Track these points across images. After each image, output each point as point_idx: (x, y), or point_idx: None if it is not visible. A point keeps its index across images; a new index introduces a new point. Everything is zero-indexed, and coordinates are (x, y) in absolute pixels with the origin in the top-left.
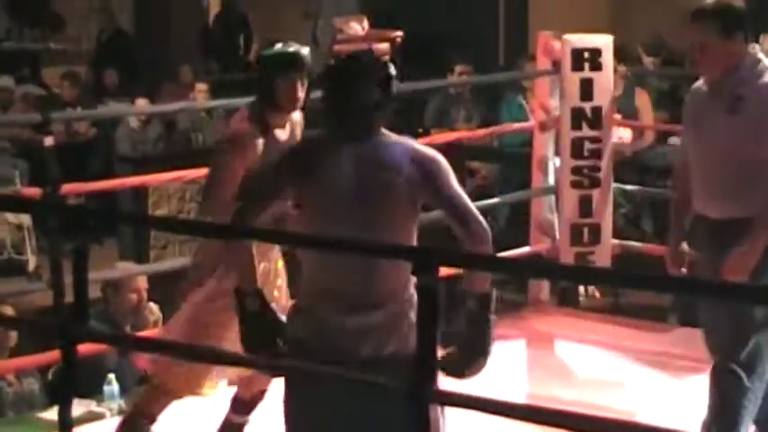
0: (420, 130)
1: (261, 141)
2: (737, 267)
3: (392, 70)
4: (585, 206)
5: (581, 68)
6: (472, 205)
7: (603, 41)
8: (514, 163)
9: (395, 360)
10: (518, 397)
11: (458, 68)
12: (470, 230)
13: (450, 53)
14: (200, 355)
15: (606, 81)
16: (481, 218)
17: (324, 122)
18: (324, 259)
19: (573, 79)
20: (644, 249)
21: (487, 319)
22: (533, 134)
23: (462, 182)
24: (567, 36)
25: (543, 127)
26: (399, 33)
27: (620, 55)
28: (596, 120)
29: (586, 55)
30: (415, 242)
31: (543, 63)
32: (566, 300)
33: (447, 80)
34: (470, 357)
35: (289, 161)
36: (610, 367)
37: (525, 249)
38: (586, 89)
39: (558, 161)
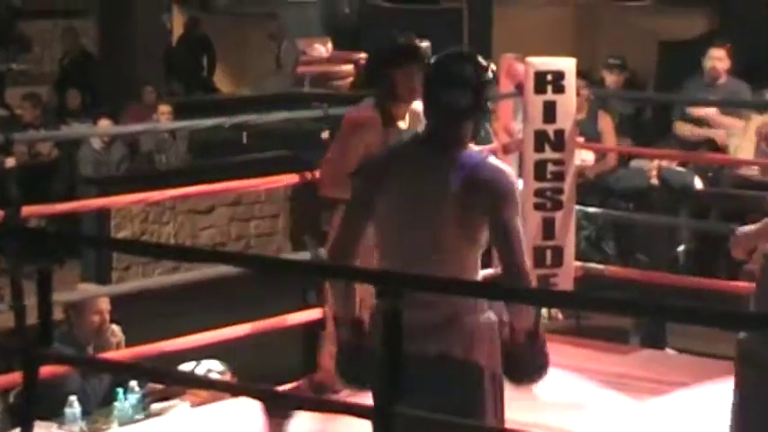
0: None
1: (381, 129)
2: None
3: (489, 74)
4: (548, 228)
5: (544, 91)
6: (521, 245)
7: (566, 64)
8: None
9: (441, 361)
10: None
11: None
12: (505, 267)
13: None
14: (173, 379)
15: (569, 104)
16: (522, 261)
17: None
18: (390, 263)
19: (536, 102)
20: (606, 272)
21: (536, 346)
22: (496, 156)
23: None
24: (530, 59)
25: (506, 149)
26: (363, 55)
27: (584, 78)
28: (559, 142)
29: (549, 78)
30: (473, 262)
31: (506, 86)
32: None
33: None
34: (530, 374)
35: (365, 171)
36: (572, 389)
37: (488, 272)
38: (549, 112)
39: (521, 183)
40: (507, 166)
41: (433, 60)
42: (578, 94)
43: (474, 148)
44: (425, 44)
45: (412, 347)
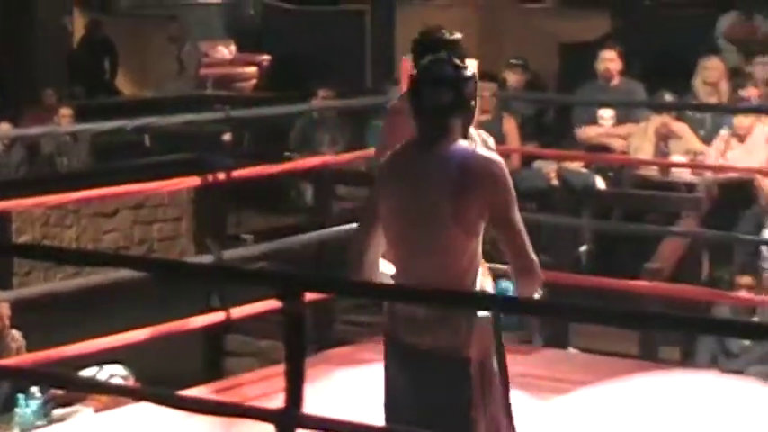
0: (285, 154)
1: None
2: None
3: (467, 72)
4: None
5: None
6: (521, 232)
7: (469, 65)
8: None
9: (431, 354)
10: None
11: (321, 93)
12: (510, 255)
13: (317, 77)
14: (75, 384)
15: None
16: (526, 247)
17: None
18: (399, 261)
19: None
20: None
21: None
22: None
23: (329, 206)
24: None
25: None
26: (266, 57)
27: (492, 80)
28: None
29: None
30: (473, 256)
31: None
32: None
33: (312, 104)
34: None
35: (378, 171)
36: None
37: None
38: None
39: None
40: (498, 156)
41: (419, 66)
42: (482, 96)
43: (461, 142)
44: (457, 36)
45: (405, 340)
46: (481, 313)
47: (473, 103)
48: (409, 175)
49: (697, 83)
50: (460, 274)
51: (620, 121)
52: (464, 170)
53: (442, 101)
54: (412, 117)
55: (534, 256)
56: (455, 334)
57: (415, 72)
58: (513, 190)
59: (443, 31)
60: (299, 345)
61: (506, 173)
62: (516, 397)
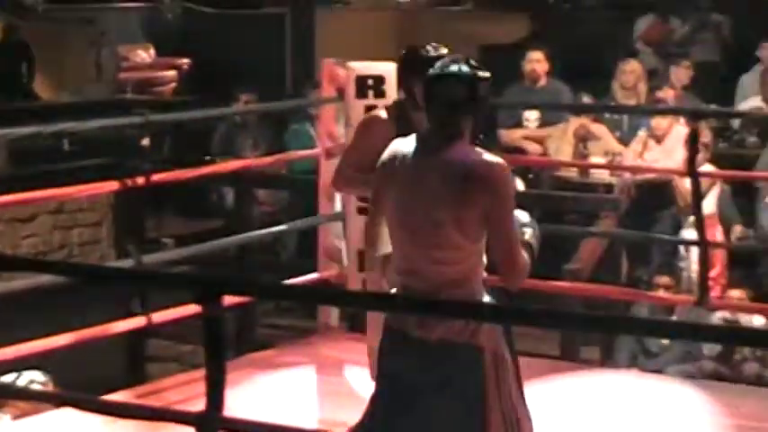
0: (207, 158)
1: (393, 133)
2: None
3: (482, 72)
4: None
5: (365, 95)
6: (513, 242)
7: (387, 69)
8: (302, 190)
9: (443, 345)
10: (309, 423)
11: (243, 97)
12: (500, 266)
13: (237, 81)
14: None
15: None
16: (516, 256)
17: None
18: (401, 259)
19: (357, 106)
20: None
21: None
22: (320, 161)
23: (249, 210)
24: (351, 63)
25: (329, 154)
26: (186, 61)
27: None
28: None
29: (370, 82)
30: (474, 260)
31: (328, 90)
32: (355, 325)
33: (232, 108)
34: None
35: (381, 164)
36: None
37: (314, 276)
38: None
39: None
40: (501, 160)
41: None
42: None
43: (464, 144)
44: (444, 51)
45: (415, 333)
46: (489, 303)
47: (487, 103)
48: (413, 173)
49: (615, 85)
50: (462, 278)
51: (545, 122)
52: (468, 175)
53: (458, 98)
54: (425, 113)
55: (524, 258)
56: (466, 323)
57: (431, 69)
58: (512, 195)
59: (428, 47)
60: (218, 348)
61: (509, 177)
62: None
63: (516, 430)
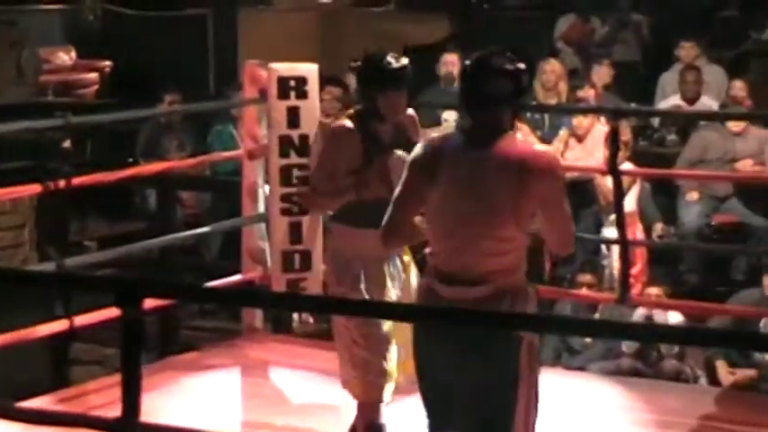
0: (131, 160)
1: (360, 143)
2: None
3: (522, 65)
4: (295, 233)
5: (287, 97)
6: (570, 223)
7: (309, 70)
8: (226, 191)
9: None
10: (232, 426)
11: (167, 98)
12: (560, 243)
13: (160, 83)
14: None
15: (312, 109)
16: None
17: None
18: (446, 252)
19: (280, 107)
20: None
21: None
22: (243, 162)
23: (173, 212)
24: (272, 65)
25: (252, 155)
26: (108, 63)
27: (333, 84)
28: (304, 147)
29: (292, 83)
30: (522, 249)
31: (251, 92)
32: (279, 326)
33: (156, 109)
34: None
35: (417, 163)
36: (321, 392)
37: (238, 277)
38: (293, 117)
39: (267, 189)
40: (553, 151)
41: (471, 58)
42: (322, 100)
43: (514, 135)
44: (404, 62)
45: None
46: (521, 278)
47: (527, 93)
48: (465, 169)
49: (536, 84)
50: (511, 268)
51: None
52: (524, 166)
53: (504, 92)
54: (464, 109)
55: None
56: (503, 301)
57: (467, 64)
58: (563, 181)
59: (389, 58)
60: (135, 352)
61: (560, 166)
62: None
63: (534, 412)
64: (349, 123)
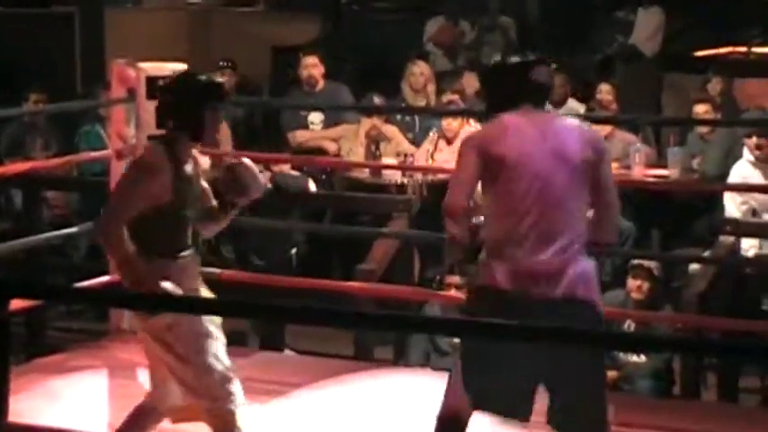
0: None
1: (171, 174)
2: None
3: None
4: None
5: (156, 96)
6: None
7: (178, 69)
8: (93, 192)
9: (568, 302)
10: (99, 427)
11: (33, 97)
12: (612, 219)
13: (25, 81)
14: None
15: None
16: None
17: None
18: (526, 226)
19: (148, 107)
20: (222, 276)
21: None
22: (111, 163)
23: (39, 212)
24: (141, 64)
25: (120, 155)
26: None
27: None
28: None
29: (161, 83)
30: (584, 220)
31: (119, 91)
32: None
33: (22, 109)
34: None
35: (478, 144)
36: None
37: (106, 278)
38: None
39: None
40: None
41: (518, 57)
42: None
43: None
44: (220, 80)
45: (536, 291)
46: (589, 261)
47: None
48: (532, 145)
49: (405, 86)
50: (583, 243)
51: (329, 125)
52: (590, 140)
53: (549, 81)
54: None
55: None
56: (581, 281)
57: (518, 60)
58: None
59: (206, 75)
60: (2, 354)
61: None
62: None
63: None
64: (159, 154)
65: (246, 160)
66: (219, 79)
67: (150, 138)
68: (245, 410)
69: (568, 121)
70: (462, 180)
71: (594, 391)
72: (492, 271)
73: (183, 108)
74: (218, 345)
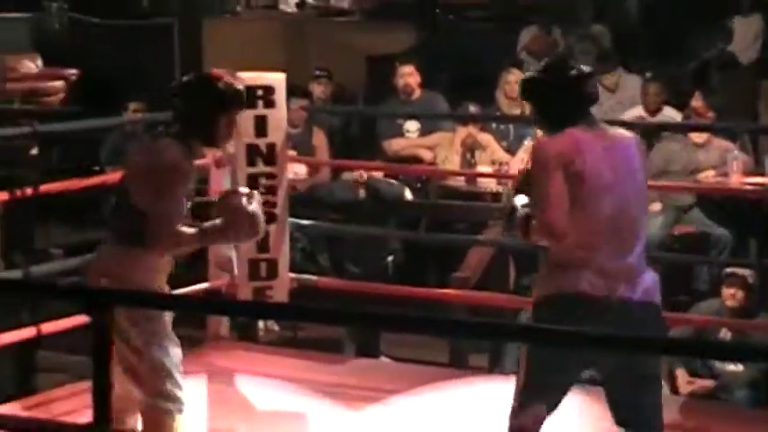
0: (96, 168)
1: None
2: None
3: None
4: (262, 241)
5: (255, 106)
6: None
7: (276, 79)
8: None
9: (647, 305)
10: None
11: (132, 106)
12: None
13: (125, 91)
14: None
15: (280, 118)
16: None
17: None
18: (608, 234)
19: (247, 116)
20: (319, 283)
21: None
22: (210, 171)
23: None
24: (239, 74)
25: (219, 163)
26: (74, 71)
27: (304, 95)
28: (271, 156)
29: (260, 92)
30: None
31: None
32: (245, 334)
33: (123, 118)
34: None
35: (557, 162)
36: (287, 399)
37: (204, 285)
38: (260, 126)
39: None
40: None
41: (570, 67)
42: (289, 109)
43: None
44: (242, 86)
45: (616, 293)
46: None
47: None
48: (603, 153)
49: (500, 95)
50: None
51: (425, 133)
52: (643, 153)
53: (596, 91)
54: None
55: None
56: (652, 286)
57: (572, 72)
58: None
59: (229, 77)
60: (105, 359)
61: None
62: (328, 406)
63: None
64: (183, 156)
65: (257, 196)
66: (239, 86)
67: (160, 134)
68: (187, 420)
69: (624, 132)
70: (557, 198)
71: (651, 386)
72: (572, 278)
73: (196, 112)
74: (177, 349)
